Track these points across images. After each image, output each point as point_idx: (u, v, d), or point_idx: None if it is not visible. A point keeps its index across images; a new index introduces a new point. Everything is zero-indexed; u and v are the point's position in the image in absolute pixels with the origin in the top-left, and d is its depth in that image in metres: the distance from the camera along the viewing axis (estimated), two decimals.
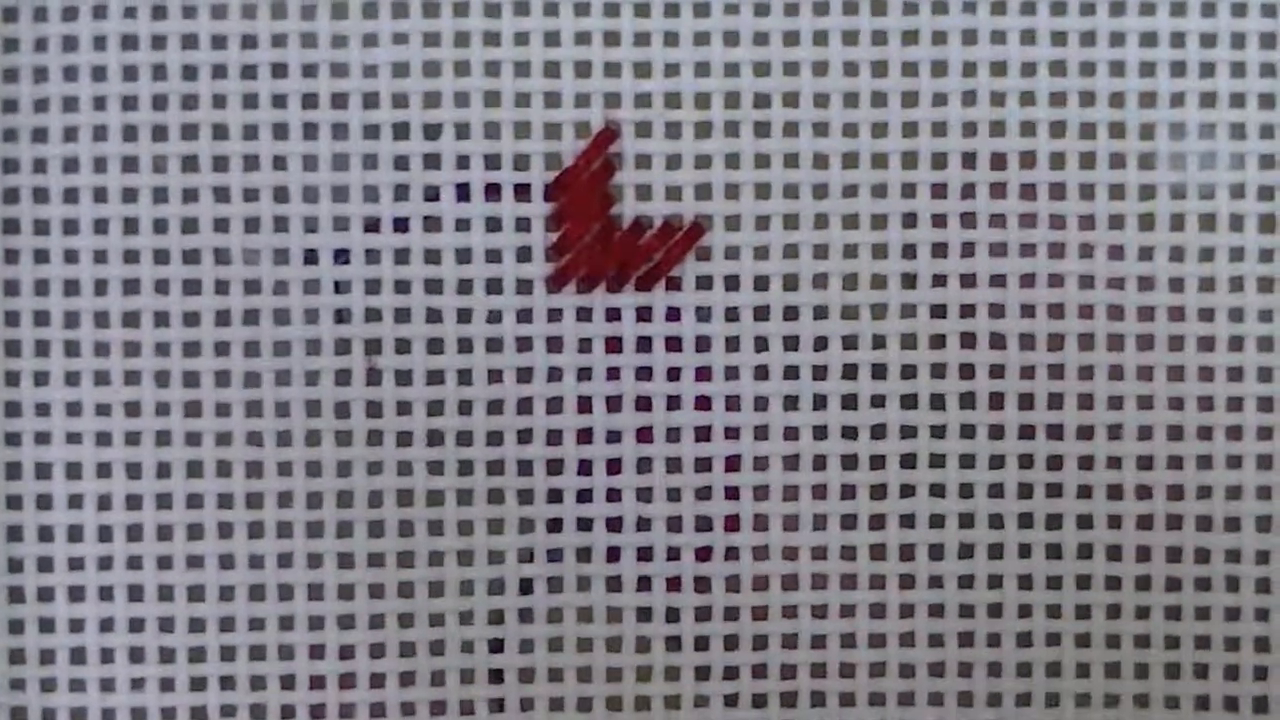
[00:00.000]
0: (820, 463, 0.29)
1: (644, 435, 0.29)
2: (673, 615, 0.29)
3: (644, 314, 0.29)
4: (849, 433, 0.29)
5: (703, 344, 0.29)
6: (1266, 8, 0.29)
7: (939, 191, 0.29)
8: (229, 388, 0.29)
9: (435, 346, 0.29)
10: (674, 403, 0.29)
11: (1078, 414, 0.29)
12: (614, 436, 0.29)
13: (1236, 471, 0.29)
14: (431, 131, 0.29)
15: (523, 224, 0.29)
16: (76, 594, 0.29)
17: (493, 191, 0.29)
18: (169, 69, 0.29)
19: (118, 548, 0.29)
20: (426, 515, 0.29)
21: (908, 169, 0.29)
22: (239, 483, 0.29)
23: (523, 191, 0.29)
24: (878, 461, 0.29)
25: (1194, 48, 0.29)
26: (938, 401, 0.29)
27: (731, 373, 0.29)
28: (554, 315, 0.29)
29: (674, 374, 0.29)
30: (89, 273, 0.29)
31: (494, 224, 0.29)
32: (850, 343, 0.29)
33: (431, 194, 0.29)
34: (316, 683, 0.29)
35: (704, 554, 0.29)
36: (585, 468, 0.29)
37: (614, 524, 0.29)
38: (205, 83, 0.29)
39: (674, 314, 0.29)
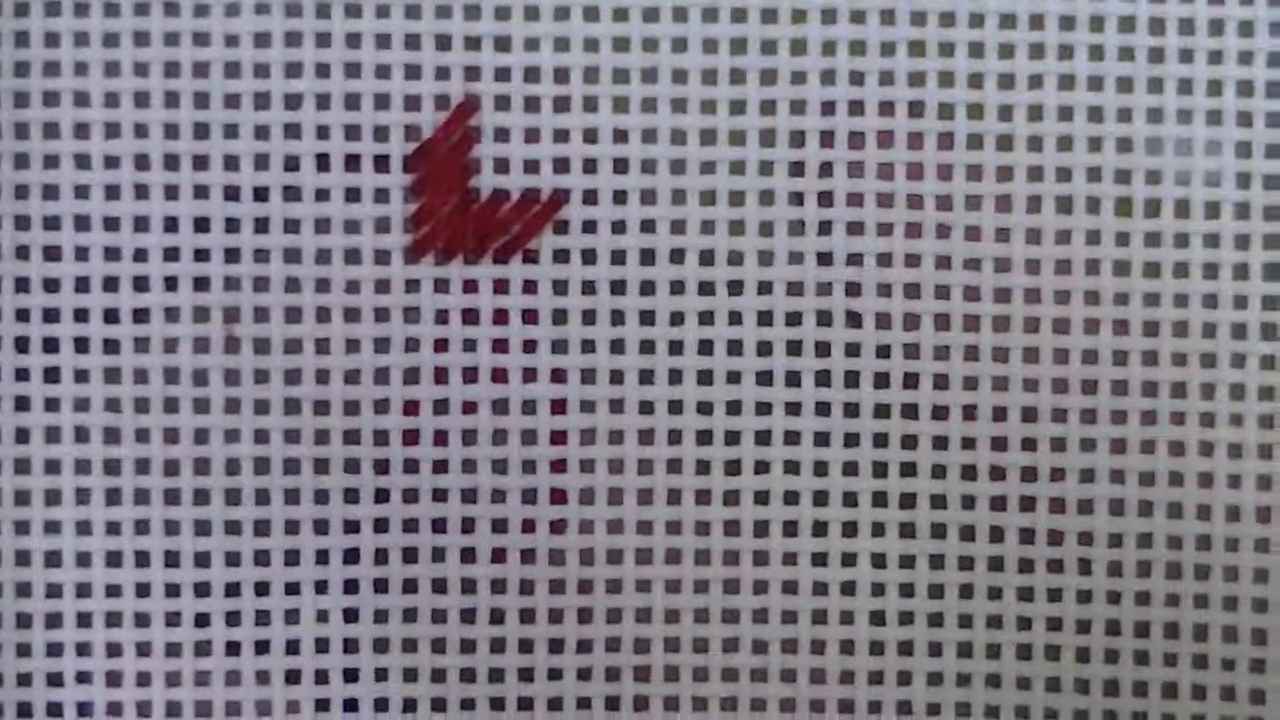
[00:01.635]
0: (675, 437, 0.29)
1: (499, 407, 0.29)
2: (526, 588, 0.30)
3: (501, 286, 0.29)
4: (704, 408, 0.29)
5: (559, 317, 0.29)
6: None
7: (796, 170, 0.29)
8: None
9: (293, 316, 0.29)
10: (530, 375, 0.29)
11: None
12: (469, 408, 0.29)
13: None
14: (292, 101, 0.29)
15: (381, 195, 0.29)
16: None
17: (352, 162, 0.29)
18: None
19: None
20: (283, 484, 0.29)
21: (766, 147, 0.29)
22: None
23: (382, 163, 0.29)
24: (732, 437, 0.29)
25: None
26: (793, 379, 0.29)
27: (588, 346, 0.29)
28: (411, 286, 0.29)
29: (530, 346, 0.29)
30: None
31: (353, 194, 0.29)
32: (706, 319, 0.29)
33: (291, 164, 0.29)
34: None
35: (559, 526, 0.29)
36: (441, 438, 0.29)
37: (469, 495, 0.29)
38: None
39: (531, 286, 0.29)
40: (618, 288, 0.29)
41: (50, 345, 0.29)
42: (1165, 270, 0.29)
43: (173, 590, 0.29)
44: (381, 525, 0.29)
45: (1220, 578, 0.29)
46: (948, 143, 0.29)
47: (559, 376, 0.29)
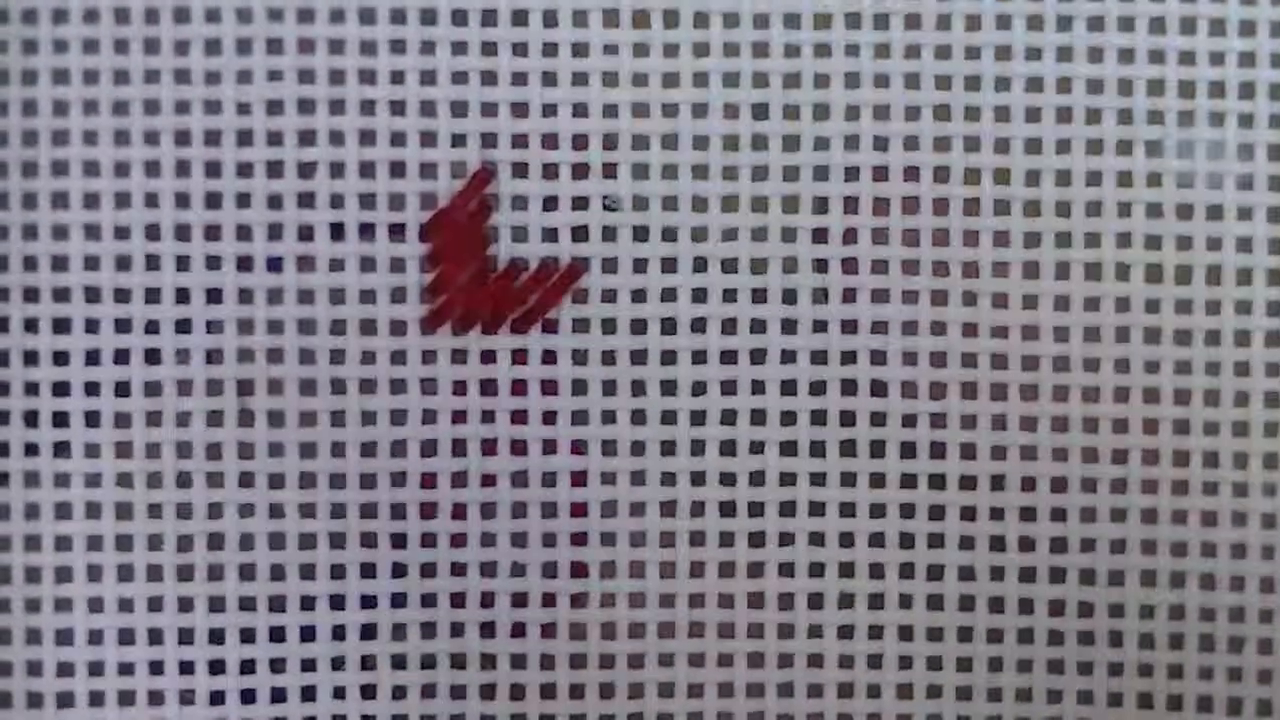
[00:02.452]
0: (698, 509, 0.29)
1: (519, 479, 0.29)
2: (547, 662, 0.29)
3: (520, 357, 0.29)
4: (727, 479, 0.29)
5: (579, 388, 0.29)
6: None
7: (820, 236, 0.29)
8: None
9: (308, 388, 0.29)
10: (549, 447, 0.29)
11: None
12: (488, 480, 0.29)
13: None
14: (306, 170, 0.28)
15: (397, 264, 0.29)
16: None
17: (367, 231, 0.29)
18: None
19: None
20: (299, 559, 0.29)
21: (788, 213, 0.29)
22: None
23: (398, 231, 0.29)
24: (756, 509, 0.29)
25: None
26: (817, 449, 0.29)
27: (608, 417, 0.29)
28: (428, 357, 0.29)
29: (549, 418, 0.29)
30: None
31: (368, 264, 0.29)
32: (729, 388, 0.29)
33: (305, 233, 0.28)
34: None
35: (580, 600, 0.29)
36: (459, 511, 0.29)
37: (488, 569, 0.29)
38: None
39: (550, 357, 0.29)
40: (638, 358, 0.29)
41: (60, 419, 0.28)
42: (1196, 339, 0.28)
43: (187, 668, 0.29)
44: (399, 600, 0.29)
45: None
46: (973, 209, 0.28)
47: (579, 448, 0.29)
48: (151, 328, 0.28)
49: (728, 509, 0.29)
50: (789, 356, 0.29)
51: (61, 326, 0.28)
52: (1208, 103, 0.28)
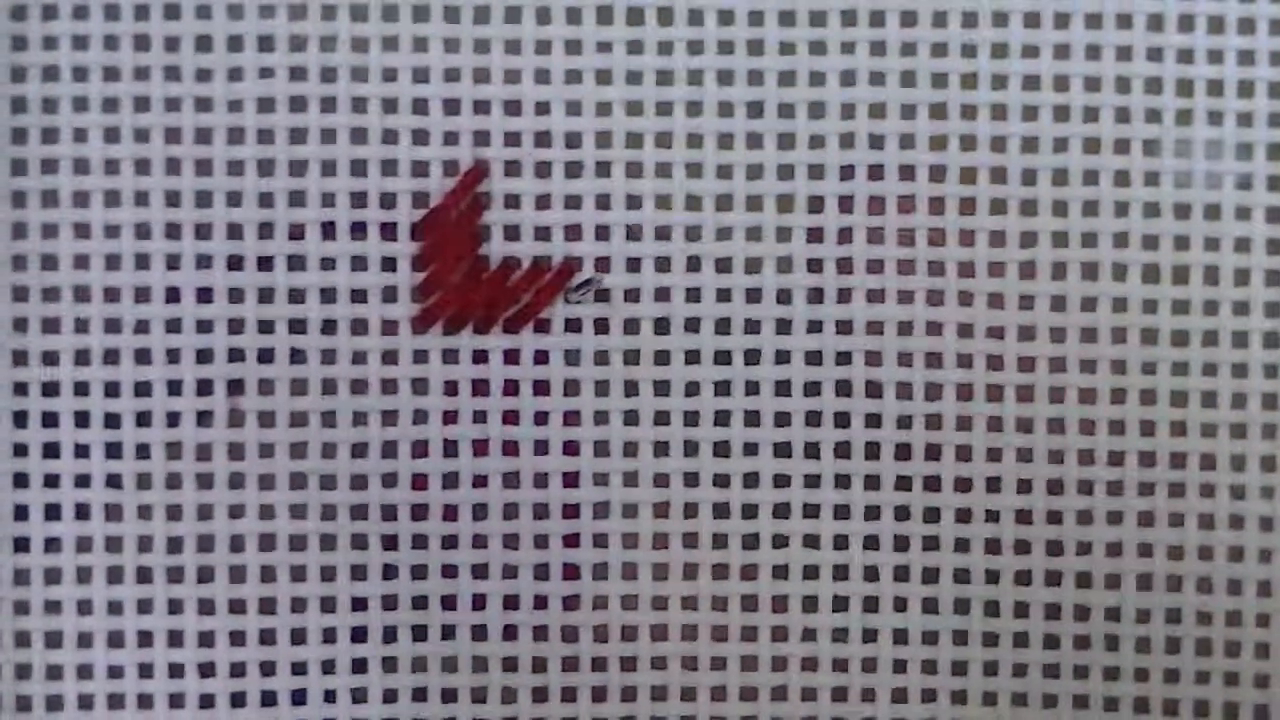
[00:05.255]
0: (691, 510, 0.29)
1: (510, 480, 0.28)
2: (539, 665, 0.29)
3: (512, 357, 0.28)
4: (720, 480, 0.29)
5: (571, 388, 0.28)
6: None
7: (815, 235, 0.28)
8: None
9: (299, 388, 0.28)
10: (541, 448, 0.28)
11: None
12: (480, 481, 0.28)
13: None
14: (296, 168, 0.28)
15: (389, 263, 0.28)
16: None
17: (358, 230, 0.28)
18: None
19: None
20: (289, 560, 0.28)
21: (783, 212, 0.28)
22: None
23: (389, 230, 0.28)
24: (750, 510, 0.29)
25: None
26: (811, 450, 0.28)
27: (600, 418, 0.28)
28: (420, 357, 0.28)
29: (541, 418, 0.28)
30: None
31: (359, 263, 0.28)
32: (722, 389, 0.28)
33: (296, 232, 0.28)
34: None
35: (572, 602, 0.29)
36: (450, 513, 0.28)
37: (479, 570, 0.29)
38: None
39: (542, 357, 0.28)
40: (631, 358, 0.28)
41: (50, 419, 0.28)
42: (1193, 339, 0.28)
43: (176, 670, 0.28)
44: (390, 602, 0.28)
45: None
46: (970, 208, 0.28)
47: (571, 449, 0.28)
48: (141, 327, 0.28)
49: (721, 510, 0.29)
50: (783, 357, 0.28)
51: (50, 326, 0.28)
52: (1206, 101, 0.28)
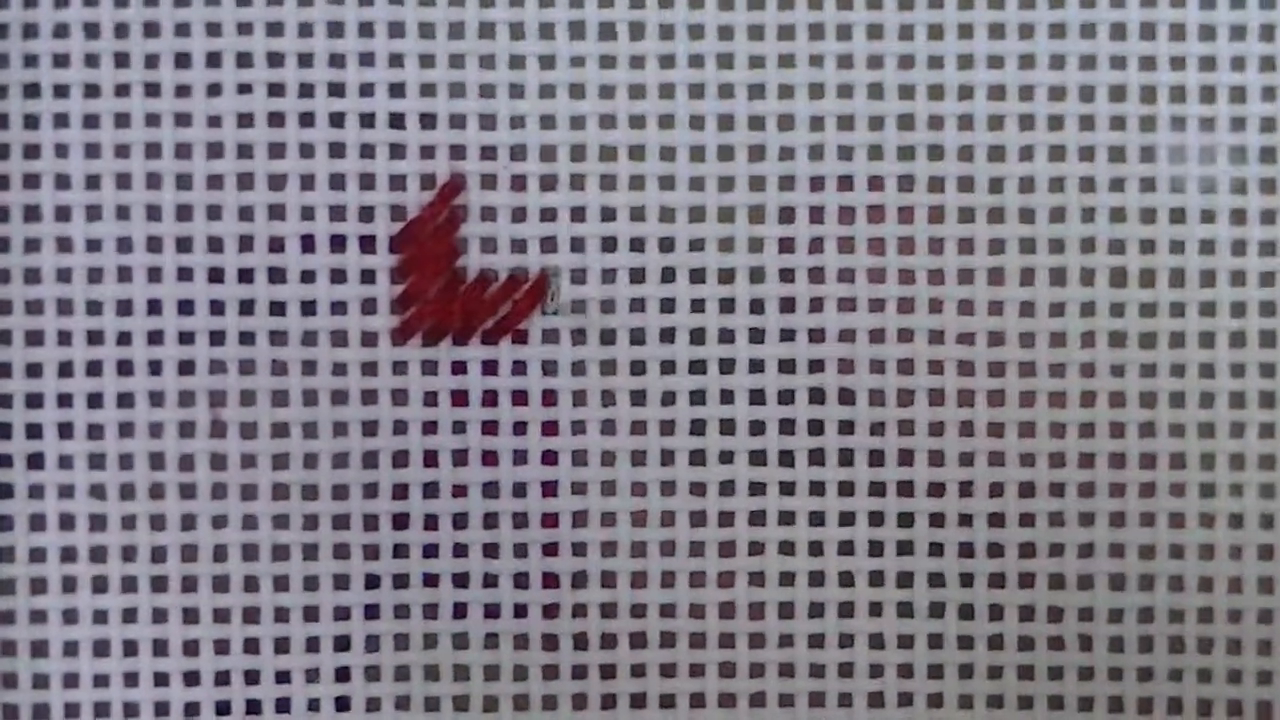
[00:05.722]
0: (668, 519, 0.29)
1: (490, 490, 0.29)
2: (520, 673, 0.29)
3: (490, 368, 0.29)
4: (696, 489, 0.29)
5: (549, 398, 0.29)
6: None
7: (786, 246, 0.29)
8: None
9: (280, 399, 0.29)
10: (520, 457, 0.29)
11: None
12: (459, 491, 0.29)
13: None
14: (276, 182, 0.29)
15: (368, 276, 0.29)
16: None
17: (338, 243, 0.29)
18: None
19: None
20: (272, 570, 0.29)
21: (755, 223, 0.29)
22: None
23: (368, 243, 0.29)
24: (725, 519, 0.29)
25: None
26: (786, 458, 0.29)
27: (578, 427, 0.29)
28: (399, 368, 0.29)
29: (520, 428, 0.29)
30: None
31: (339, 276, 0.29)
32: (697, 398, 0.29)
33: (276, 245, 0.29)
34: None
35: (551, 611, 0.29)
36: (431, 522, 0.29)
37: (460, 579, 0.29)
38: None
39: (520, 367, 0.29)
40: (607, 368, 0.29)
41: (34, 431, 0.29)
42: (1160, 341, 0.28)
43: (161, 679, 0.29)
44: (372, 611, 0.29)
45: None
46: (938, 216, 0.29)
47: (550, 459, 0.29)
48: (124, 339, 0.29)
49: (698, 518, 0.29)
50: (757, 365, 0.29)
51: (34, 339, 0.29)
52: (1169, 108, 0.28)
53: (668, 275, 0.29)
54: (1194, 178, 0.28)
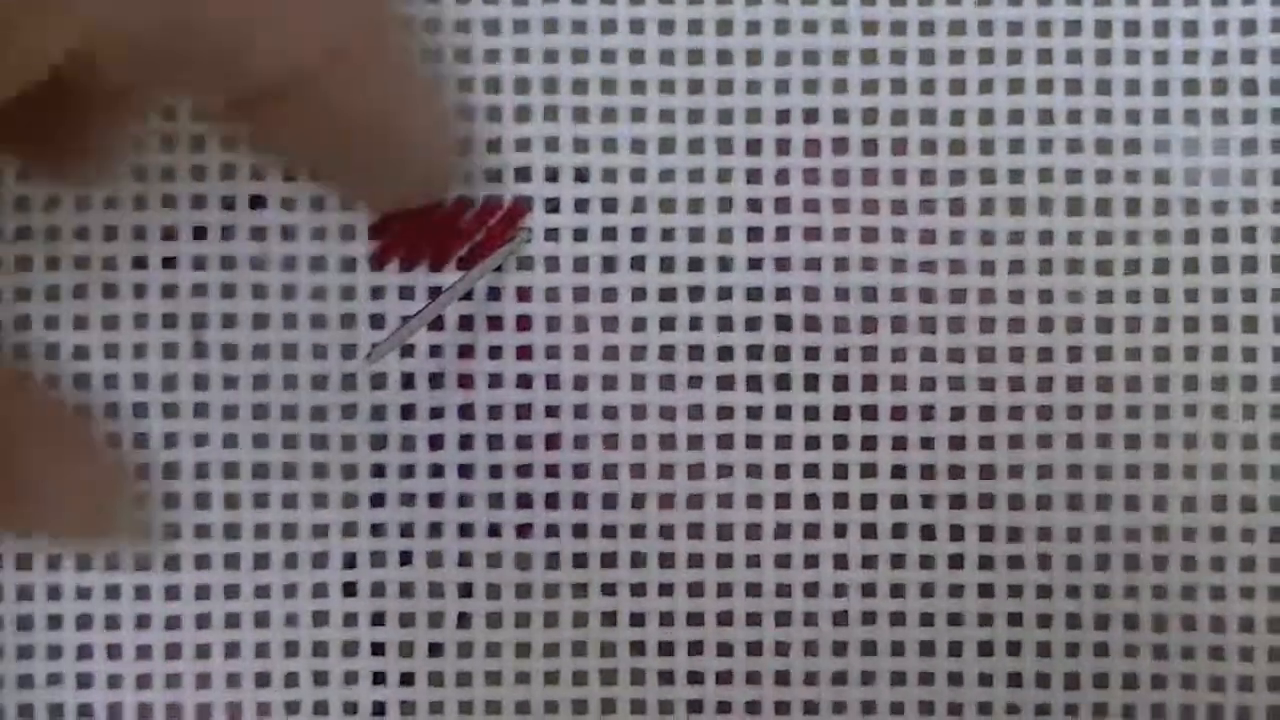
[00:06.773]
0: (639, 442, 0.30)
1: (466, 412, 0.30)
2: (493, 592, 0.30)
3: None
4: (666, 413, 0.30)
5: (523, 323, 0.30)
6: None
7: (754, 177, 0.30)
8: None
9: (260, 322, 0.30)
10: (496, 380, 0.30)
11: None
12: (437, 413, 0.30)
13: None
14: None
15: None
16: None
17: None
18: None
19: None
20: (252, 489, 0.30)
21: (723, 154, 0.30)
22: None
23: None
24: (695, 441, 0.30)
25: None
26: (753, 383, 0.30)
27: (552, 352, 0.30)
28: (376, 293, 0.30)
29: (495, 352, 0.30)
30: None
31: (318, 203, 0.30)
32: (667, 324, 0.30)
33: (256, 173, 0.30)
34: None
35: (524, 530, 0.30)
36: (409, 444, 0.30)
37: (436, 499, 0.30)
38: None
39: (494, 293, 0.30)
40: (580, 295, 0.30)
41: (19, 351, 0.29)
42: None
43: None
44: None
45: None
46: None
47: (525, 382, 0.30)
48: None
49: (667, 441, 0.30)
50: (725, 293, 0.30)
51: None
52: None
53: (639, 205, 0.30)
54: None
